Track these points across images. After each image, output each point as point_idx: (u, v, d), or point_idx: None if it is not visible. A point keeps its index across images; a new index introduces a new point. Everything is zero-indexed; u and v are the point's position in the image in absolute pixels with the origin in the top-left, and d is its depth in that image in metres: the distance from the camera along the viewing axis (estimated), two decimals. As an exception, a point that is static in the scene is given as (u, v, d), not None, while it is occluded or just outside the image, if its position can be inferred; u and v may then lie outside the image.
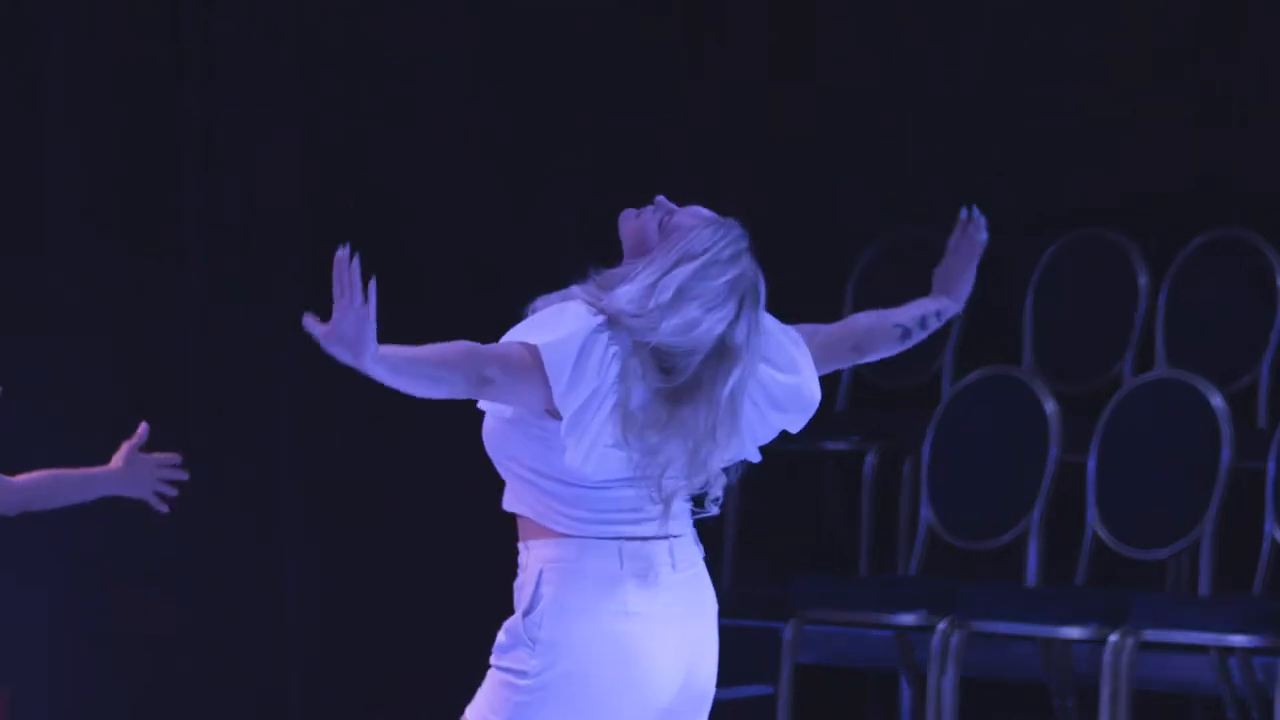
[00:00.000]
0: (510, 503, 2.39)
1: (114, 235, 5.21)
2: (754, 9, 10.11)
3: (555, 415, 2.24)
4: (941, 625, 4.60)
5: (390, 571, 5.17)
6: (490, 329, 2.33)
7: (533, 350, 2.19)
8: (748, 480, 2.41)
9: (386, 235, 5.37)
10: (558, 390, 2.19)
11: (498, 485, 2.40)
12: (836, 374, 6.75)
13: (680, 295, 2.22)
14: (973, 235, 2.82)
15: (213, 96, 5.43)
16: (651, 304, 2.22)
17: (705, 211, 2.35)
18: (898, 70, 9.75)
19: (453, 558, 5.07)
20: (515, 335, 2.26)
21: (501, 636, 2.38)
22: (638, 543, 2.33)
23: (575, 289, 2.35)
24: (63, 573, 4.75)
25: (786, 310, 2.52)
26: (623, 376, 2.23)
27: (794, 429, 2.46)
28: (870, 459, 6.82)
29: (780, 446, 2.56)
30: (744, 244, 2.30)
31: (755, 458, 2.43)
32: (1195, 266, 5.52)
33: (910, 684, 4.94)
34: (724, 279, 2.25)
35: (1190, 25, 7.25)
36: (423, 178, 5.66)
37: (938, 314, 2.69)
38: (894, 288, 5.36)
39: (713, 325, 2.23)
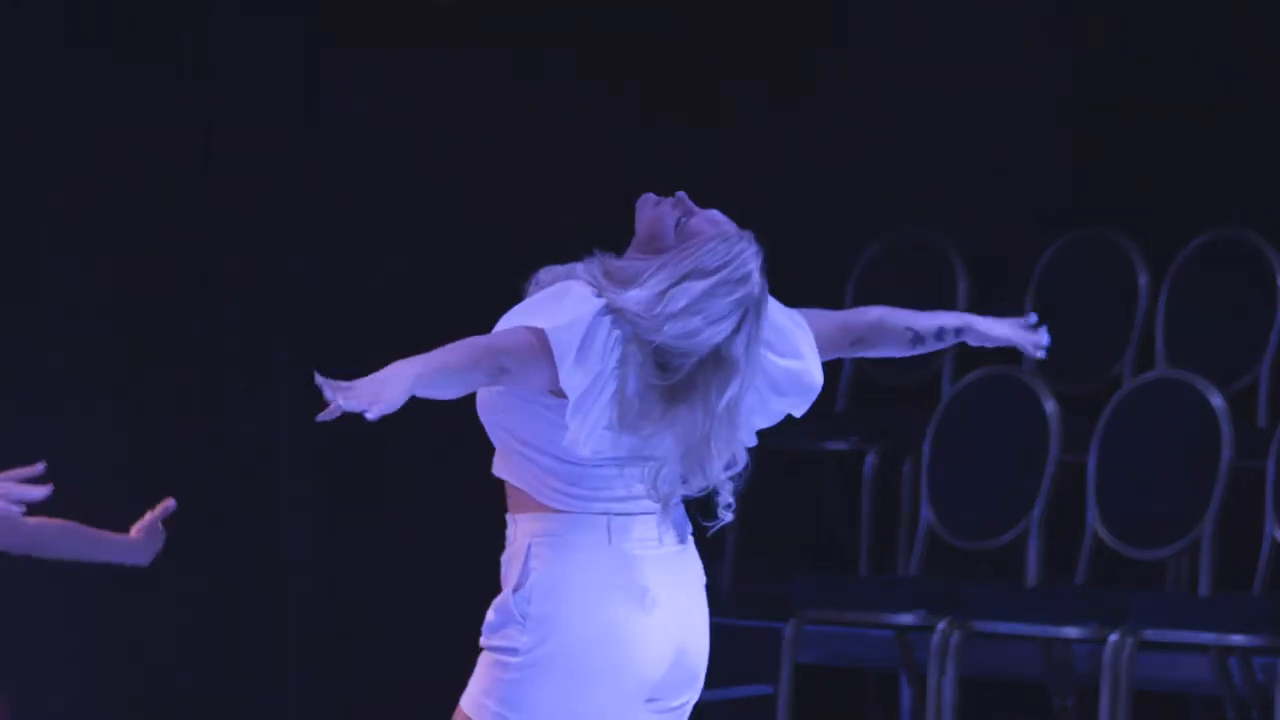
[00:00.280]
0: (500, 469, 2.39)
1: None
2: (755, 10, 10.13)
3: (557, 394, 2.24)
4: (941, 625, 4.59)
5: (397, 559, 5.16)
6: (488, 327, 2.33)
7: (539, 334, 2.20)
8: (748, 480, 2.40)
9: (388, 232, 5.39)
10: (564, 373, 2.19)
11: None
12: (837, 374, 6.78)
13: (687, 310, 2.23)
14: (1033, 340, 2.78)
15: (212, 96, 5.43)
16: (658, 310, 2.23)
17: (723, 220, 2.34)
18: (898, 70, 9.76)
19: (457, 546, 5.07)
20: (520, 317, 2.25)
21: (491, 615, 2.38)
22: (626, 517, 2.33)
23: (580, 268, 2.35)
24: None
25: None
26: (622, 363, 2.24)
27: (797, 413, 2.46)
28: (870, 459, 6.82)
29: (780, 446, 2.56)
30: (756, 263, 2.30)
31: (752, 442, 2.42)
32: (1195, 266, 5.52)
33: (910, 684, 4.94)
34: (732, 298, 2.26)
35: (1190, 26, 7.25)
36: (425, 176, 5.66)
37: (957, 332, 2.67)
38: (894, 288, 5.38)
39: (712, 335, 2.24)
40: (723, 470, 2.34)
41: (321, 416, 2.04)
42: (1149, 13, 7.48)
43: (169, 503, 2.70)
